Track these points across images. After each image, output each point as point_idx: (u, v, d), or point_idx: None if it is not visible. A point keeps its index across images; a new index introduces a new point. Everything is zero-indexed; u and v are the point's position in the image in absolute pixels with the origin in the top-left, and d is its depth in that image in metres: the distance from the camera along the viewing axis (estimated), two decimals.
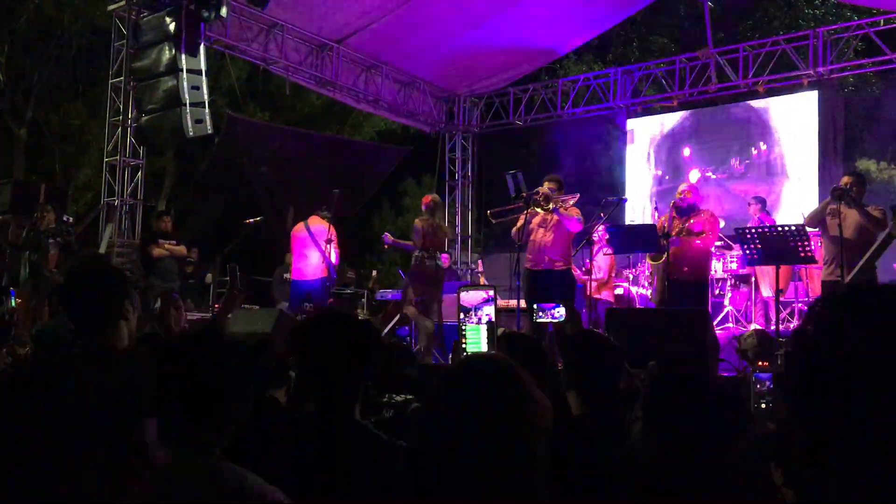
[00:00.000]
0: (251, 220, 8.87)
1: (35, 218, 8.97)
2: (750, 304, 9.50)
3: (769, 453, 1.82)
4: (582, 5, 11.25)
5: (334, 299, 9.02)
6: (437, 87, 13.25)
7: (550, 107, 13.01)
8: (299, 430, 2.10)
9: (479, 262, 13.59)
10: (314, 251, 9.11)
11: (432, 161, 13.98)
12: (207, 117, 8.84)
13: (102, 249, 9.56)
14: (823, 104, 11.88)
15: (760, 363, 5.44)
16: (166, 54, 8.80)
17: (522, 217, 7.32)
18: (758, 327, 7.91)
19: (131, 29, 9.61)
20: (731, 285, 9.77)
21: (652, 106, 12.91)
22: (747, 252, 6.65)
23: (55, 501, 2.03)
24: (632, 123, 13.68)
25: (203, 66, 8.90)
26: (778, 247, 6.40)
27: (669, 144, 13.32)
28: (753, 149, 12.47)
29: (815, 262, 6.89)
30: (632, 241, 8.14)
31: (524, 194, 7.16)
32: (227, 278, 9.23)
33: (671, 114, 13.16)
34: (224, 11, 8.86)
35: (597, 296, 8.82)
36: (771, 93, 11.80)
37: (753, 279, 9.31)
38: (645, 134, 13.61)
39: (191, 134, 8.72)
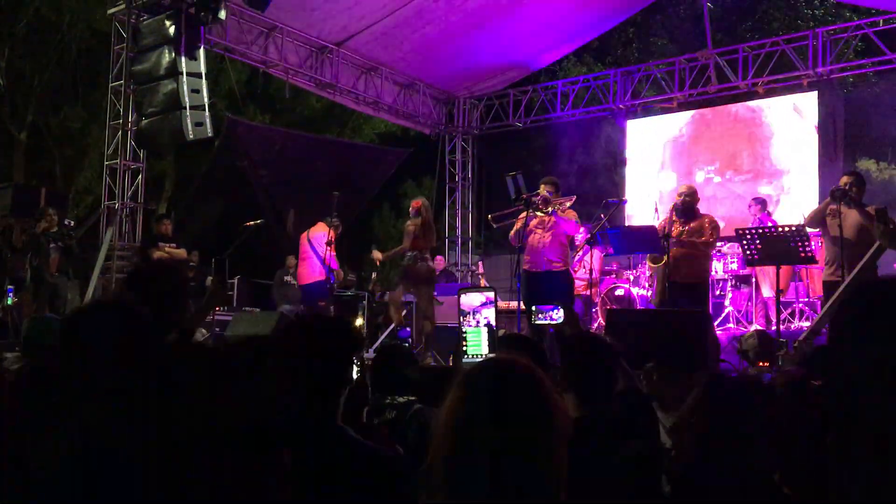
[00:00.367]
0: (251, 222, 8.88)
1: (36, 221, 8.99)
2: (750, 305, 9.50)
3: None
4: (581, 7, 11.27)
5: (326, 302, 9.05)
6: (437, 88, 13.26)
7: (550, 108, 13.03)
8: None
9: (480, 263, 13.60)
10: (312, 255, 9.18)
11: (432, 163, 13.99)
12: (207, 120, 8.86)
13: (102, 253, 9.57)
14: (823, 104, 11.85)
15: (761, 363, 5.44)
16: (166, 57, 8.81)
17: (521, 219, 7.32)
18: (758, 328, 7.91)
19: (131, 32, 9.63)
20: (731, 286, 9.77)
21: (652, 107, 12.91)
22: (747, 253, 6.65)
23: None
24: (631, 124, 13.66)
25: (203, 70, 8.92)
26: (778, 247, 6.40)
27: (669, 145, 13.31)
28: (753, 149, 12.45)
29: (815, 262, 6.89)
30: (632, 242, 8.14)
31: (524, 196, 7.16)
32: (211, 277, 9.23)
33: (671, 115, 13.15)
34: (223, 14, 8.87)
35: (586, 294, 8.83)
36: (770, 93, 11.80)
37: (754, 280, 9.30)
38: (645, 135, 13.60)
39: (191, 137, 8.73)
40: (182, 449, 1.67)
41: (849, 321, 1.13)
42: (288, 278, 11.36)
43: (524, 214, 7.25)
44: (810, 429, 2.11)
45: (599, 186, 15.38)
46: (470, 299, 2.82)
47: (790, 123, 12.09)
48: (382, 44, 11.55)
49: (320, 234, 9.06)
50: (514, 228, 7.43)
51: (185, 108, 8.64)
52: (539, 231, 7.35)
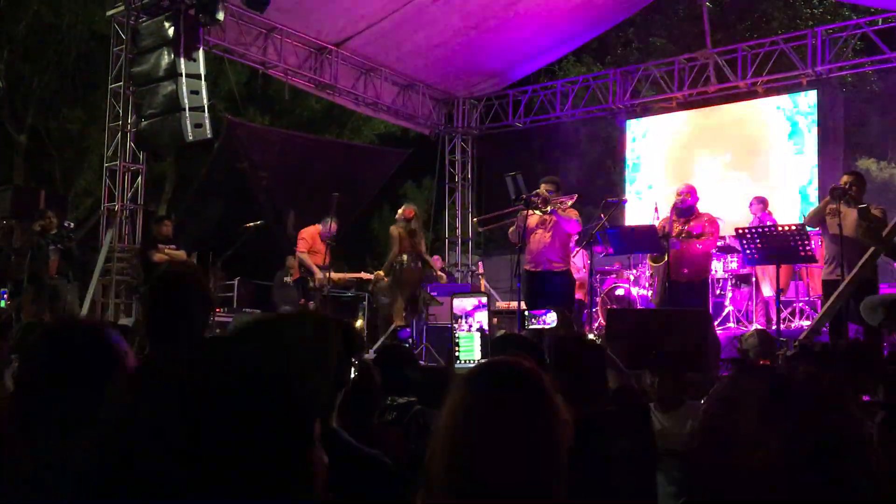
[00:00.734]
0: (251, 224, 8.89)
1: (33, 222, 8.99)
2: (751, 304, 9.49)
3: None
4: (580, 7, 11.27)
5: (305, 300, 9.14)
6: (437, 89, 13.26)
7: (549, 108, 13.02)
8: None
9: (480, 264, 13.59)
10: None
11: (432, 164, 13.99)
12: (207, 122, 8.85)
13: (102, 255, 9.57)
14: (822, 104, 11.86)
15: (762, 363, 5.44)
16: (165, 59, 8.80)
17: (521, 218, 7.31)
18: (759, 327, 7.91)
19: (130, 34, 9.63)
20: (731, 285, 9.76)
21: (651, 107, 12.92)
22: (748, 252, 6.65)
23: None
24: (631, 124, 13.66)
25: (202, 71, 8.91)
26: (778, 246, 6.41)
27: (669, 145, 13.31)
28: (752, 149, 12.45)
29: (815, 261, 6.89)
30: (632, 242, 8.14)
31: (524, 196, 7.16)
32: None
33: (670, 114, 13.15)
34: (220, 16, 8.87)
35: (578, 297, 8.77)
36: (770, 92, 11.80)
37: (754, 279, 9.30)
38: (644, 134, 13.60)
39: (190, 138, 8.73)
40: None
41: None
42: (288, 279, 11.35)
43: (525, 213, 7.24)
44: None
45: (599, 186, 15.40)
46: (462, 303, 2.81)
47: (789, 123, 12.09)
48: (381, 44, 11.55)
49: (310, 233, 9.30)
50: (511, 228, 7.43)
51: (185, 109, 8.63)
52: (540, 231, 7.34)
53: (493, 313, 7.16)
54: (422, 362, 8.03)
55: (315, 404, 1.79)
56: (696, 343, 5.43)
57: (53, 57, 17.35)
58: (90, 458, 1.45)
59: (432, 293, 9.27)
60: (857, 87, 17.11)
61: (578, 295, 9.04)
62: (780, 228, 6.70)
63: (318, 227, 9.28)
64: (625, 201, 10.80)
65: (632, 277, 10.35)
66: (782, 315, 7.87)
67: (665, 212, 8.13)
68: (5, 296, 8.65)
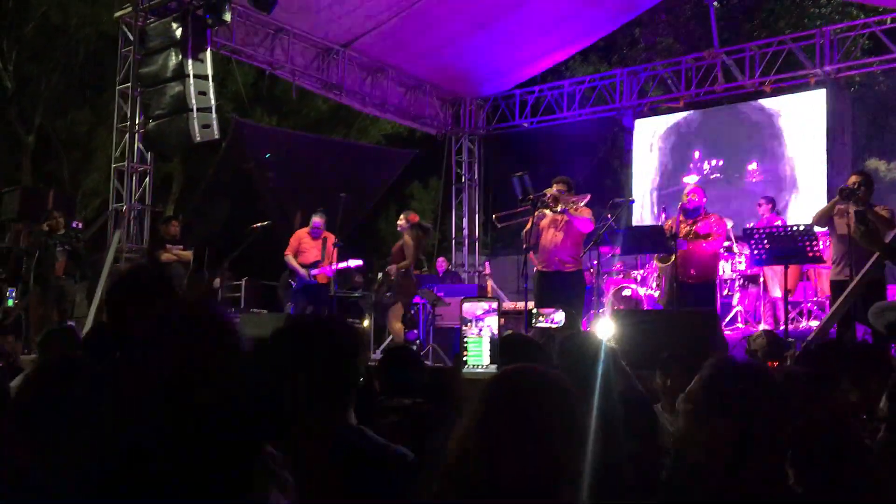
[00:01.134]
0: (258, 224, 8.91)
1: (42, 223, 9.03)
2: (759, 305, 9.47)
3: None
4: (587, 7, 11.25)
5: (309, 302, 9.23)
6: (443, 89, 13.26)
7: (556, 108, 13.01)
8: (293, 441, 2.08)
9: (487, 264, 13.59)
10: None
11: (438, 164, 13.98)
12: (214, 122, 8.87)
13: (110, 255, 9.59)
14: (831, 103, 11.82)
15: (770, 364, 5.42)
16: (173, 60, 8.82)
17: (531, 219, 7.29)
18: (767, 328, 7.89)
19: (138, 35, 9.65)
20: (739, 286, 9.74)
21: (658, 106, 12.89)
22: (755, 252, 6.63)
23: None
24: (638, 124, 13.64)
25: (210, 72, 8.93)
26: (786, 247, 6.39)
27: (676, 145, 13.28)
28: (760, 149, 12.42)
29: (823, 261, 6.86)
30: (639, 242, 8.12)
31: (531, 196, 7.14)
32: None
33: (677, 114, 13.13)
34: (227, 17, 8.89)
35: None
36: (778, 92, 11.77)
37: (762, 279, 9.28)
38: (651, 135, 13.58)
39: (198, 139, 8.75)
40: None
41: None
42: (291, 280, 11.37)
43: (533, 214, 7.22)
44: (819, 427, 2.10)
45: (606, 186, 15.37)
46: (472, 307, 2.81)
47: (797, 123, 12.05)
48: (388, 45, 11.56)
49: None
50: (525, 229, 7.41)
51: (192, 110, 8.65)
52: (552, 230, 7.31)
53: (500, 314, 7.15)
54: (429, 363, 8.05)
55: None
56: (705, 343, 5.41)
57: (61, 58, 17.40)
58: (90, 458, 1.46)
59: (438, 294, 9.27)
60: (865, 87, 17.03)
61: None
62: (787, 229, 6.68)
63: (307, 227, 9.36)
64: (632, 201, 10.77)
65: (639, 277, 10.34)
66: (790, 316, 7.84)
67: (672, 213, 8.12)
68: (13, 295, 8.68)
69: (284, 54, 10.89)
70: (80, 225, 9.86)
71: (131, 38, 9.90)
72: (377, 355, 7.26)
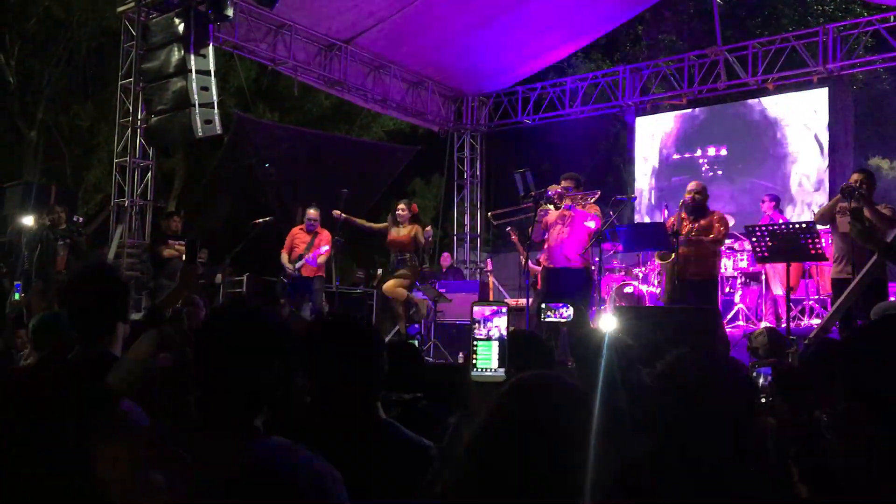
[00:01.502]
0: (260, 220, 8.91)
1: (43, 217, 9.04)
2: (760, 302, 9.46)
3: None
4: (590, 3, 11.24)
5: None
6: (446, 86, 13.26)
7: (559, 105, 13.00)
8: (325, 433, 2.11)
9: (488, 261, 13.58)
10: None
11: (441, 160, 13.99)
12: (216, 118, 8.88)
13: (112, 250, 9.60)
14: (833, 101, 11.82)
15: (771, 361, 5.41)
16: (175, 55, 8.83)
17: (542, 215, 7.27)
18: (768, 325, 7.88)
19: (140, 30, 9.66)
20: (741, 283, 9.74)
21: (661, 104, 12.88)
22: (757, 249, 6.62)
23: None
24: (640, 121, 13.64)
25: (212, 67, 8.93)
26: (788, 244, 6.38)
27: (679, 142, 13.27)
28: (763, 146, 12.42)
29: (825, 259, 6.85)
30: (641, 239, 8.11)
31: (533, 193, 7.13)
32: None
33: (680, 111, 13.12)
34: (229, 12, 8.89)
35: None
36: (780, 90, 11.76)
37: (764, 277, 9.27)
38: (654, 132, 13.57)
39: (200, 134, 8.75)
40: None
41: None
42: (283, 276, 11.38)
43: (536, 211, 7.21)
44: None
45: (608, 183, 15.36)
46: (482, 309, 2.82)
47: (800, 120, 12.04)
48: (391, 41, 11.55)
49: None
50: (532, 227, 7.40)
51: (195, 105, 8.66)
52: (559, 226, 7.30)
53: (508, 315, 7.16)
54: (430, 359, 8.05)
55: None
56: (706, 341, 5.41)
57: (64, 53, 17.39)
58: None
59: (441, 290, 9.28)
60: (868, 85, 17.01)
61: None
62: (789, 226, 6.68)
63: (303, 224, 9.35)
64: (634, 198, 10.79)
65: (640, 275, 10.33)
66: (792, 313, 7.83)
67: (674, 210, 8.10)
68: (19, 289, 8.69)
69: (287, 50, 10.89)
70: (82, 219, 9.87)
71: (134, 33, 9.91)
72: None
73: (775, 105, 12.30)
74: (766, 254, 6.59)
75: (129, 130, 10.03)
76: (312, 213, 9.16)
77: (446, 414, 3.22)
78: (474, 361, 3.71)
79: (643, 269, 10.43)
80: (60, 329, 3.25)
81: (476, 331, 2.76)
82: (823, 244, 6.58)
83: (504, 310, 2.99)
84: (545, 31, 11.64)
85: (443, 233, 14.89)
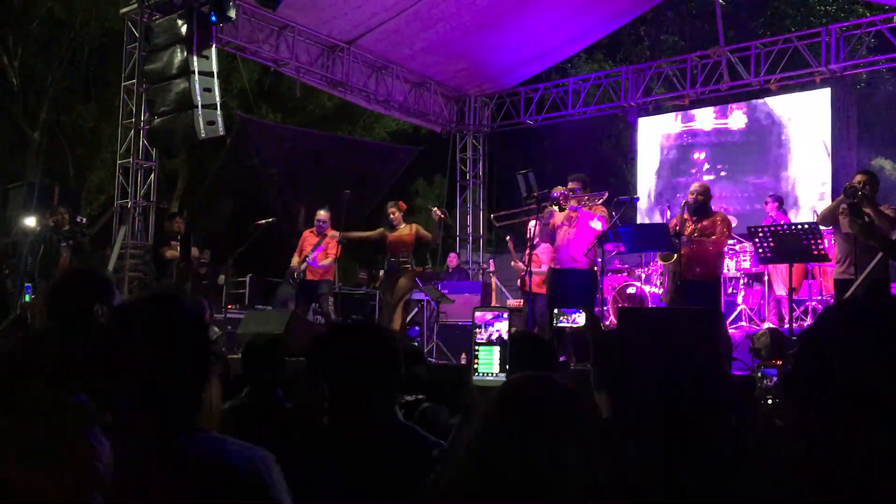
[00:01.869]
0: (263, 221, 8.91)
1: (47, 218, 9.05)
2: (763, 303, 9.45)
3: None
4: (592, 4, 11.24)
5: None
6: (448, 87, 13.26)
7: (561, 106, 13.00)
8: (345, 437, 2.12)
9: (491, 261, 13.57)
10: None
11: (443, 161, 13.99)
12: (219, 119, 8.88)
13: (115, 251, 9.61)
14: (836, 101, 11.82)
15: (774, 362, 5.42)
16: (178, 57, 8.83)
17: (549, 217, 7.27)
18: (771, 326, 7.87)
19: (143, 32, 9.67)
20: (744, 284, 9.73)
21: (663, 104, 12.87)
22: (760, 250, 6.62)
23: None
24: (643, 122, 13.63)
25: (215, 68, 8.94)
26: (790, 245, 6.37)
27: (681, 143, 13.27)
28: (765, 147, 12.41)
29: (827, 259, 6.85)
30: (644, 240, 8.10)
31: (535, 194, 7.13)
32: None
33: (683, 112, 13.11)
34: (232, 13, 8.89)
35: (537, 291, 8.42)
36: (783, 90, 11.75)
37: (766, 277, 9.26)
38: (656, 132, 13.57)
39: (203, 136, 8.75)
40: None
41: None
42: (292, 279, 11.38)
43: (539, 213, 7.21)
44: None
45: (611, 184, 15.34)
46: (483, 313, 2.82)
47: (803, 121, 12.03)
48: (393, 42, 11.56)
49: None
50: (539, 228, 7.41)
51: (197, 106, 8.66)
52: (565, 227, 7.30)
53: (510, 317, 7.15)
54: (433, 360, 8.05)
55: None
56: (709, 342, 5.40)
57: (66, 54, 17.42)
58: None
59: (443, 291, 9.27)
60: (871, 86, 17.00)
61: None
62: (792, 227, 6.67)
63: (313, 227, 9.32)
64: (636, 199, 10.76)
65: (643, 276, 10.33)
66: (794, 314, 7.83)
67: (676, 211, 8.09)
68: (29, 291, 8.69)
69: (289, 51, 10.90)
70: (85, 220, 9.88)
71: (136, 34, 9.92)
72: None
73: (778, 105, 12.29)
74: (768, 254, 6.58)
75: (132, 132, 10.04)
76: (321, 214, 9.12)
77: (448, 415, 3.23)
78: (476, 366, 3.71)
79: (645, 269, 10.43)
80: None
81: (477, 335, 2.77)
82: (826, 245, 6.58)
83: (505, 314, 3.00)
84: (548, 32, 11.64)
85: (445, 233, 14.89)
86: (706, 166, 12.91)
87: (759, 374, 3.78)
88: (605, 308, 9.10)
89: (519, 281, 9.28)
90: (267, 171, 13.08)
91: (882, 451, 1.00)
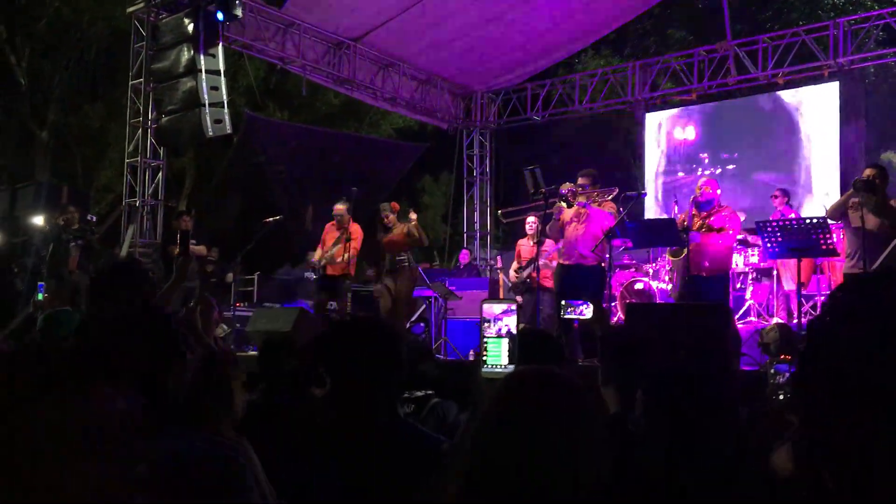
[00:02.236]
0: (270, 219, 8.92)
1: (56, 217, 9.09)
2: (772, 298, 9.42)
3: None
4: (598, 0, 11.21)
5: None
6: (455, 83, 13.25)
7: (568, 102, 12.97)
8: (343, 433, 2.12)
9: (498, 258, 13.58)
10: None
11: (450, 158, 13.98)
12: (226, 117, 8.90)
13: (124, 250, 9.65)
14: (844, 95, 11.74)
15: (782, 357, 5.40)
16: (185, 55, 8.86)
17: (558, 213, 7.26)
18: (780, 321, 7.84)
19: (150, 31, 9.69)
20: (752, 279, 9.70)
21: (670, 99, 12.83)
22: (768, 245, 6.60)
23: None
24: (650, 117, 13.59)
25: (221, 67, 8.96)
26: (799, 239, 6.35)
27: (689, 137, 13.23)
28: (773, 141, 12.36)
29: (836, 254, 6.82)
30: (651, 235, 8.08)
31: (543, 190, 7.13)
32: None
33: (690, 107, 13.07)
34: (238, 12, 8.91)
35: (548, 285, 8.31)
36: (791, 84, 11.69)
37: (775, 273, 9.23)
38: (663, 127, 13.53)
39: (210, 134, 8.78)
40: None
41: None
42: (308, 274, 11.40)
43: (555, 207, 7.20)
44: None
45: (618, 180, 15.29)
46: (491, 307, 2.82)
47: (811, 115, 11.99)
48: (399, 39, 11.56)
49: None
50: (549, 224, 7.41)
51: (205, 105, 8.68)
52: (574, 223, 7.30)
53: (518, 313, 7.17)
54: (440, 356, 8.06)
55: None
56: (717, 337, 5.39)
57: (74, 54, 17.48)
58: None
59: (451, 287, 9.28)
60: (879, 79, 16.91)
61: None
62: (801, 222, 6.64)
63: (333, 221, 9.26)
64: (644, 194, 10.73)
65: (651, 271, 10.31)
66: (803, 309, 7.80)
67: (684, 206, 8.08)
68: (42, 289, 8.74)
69: (296, 49, 10.91)
70: (94, 218, 9.92)
71: (143, 33, 9.95)
72: None
73: (786, 100, 12.24)
74: (777, 249, 6.56)
75: (140, 131, 10.07)
76: (339, 207, 9.00)
77: (457, 411, 3.23)
78: (485, 358, 3.73)
79: (654, 265, 10.40)
80: (69, 323, 3.30)
81: (486, 329, 2.78)
82: (835, 239, 6.56)
83: (513, 307, 3.01)
84: (554, 28, 11.61)
85: (452, 230, 14.89)
86: (715, 161, 12.86)
87: (772, 371, 3.76)
88: (613, 304, 9.08)
89: (515, 275, 9.33)
90: (274, 168, 13.09)
91: (883, 450, 0.99)
